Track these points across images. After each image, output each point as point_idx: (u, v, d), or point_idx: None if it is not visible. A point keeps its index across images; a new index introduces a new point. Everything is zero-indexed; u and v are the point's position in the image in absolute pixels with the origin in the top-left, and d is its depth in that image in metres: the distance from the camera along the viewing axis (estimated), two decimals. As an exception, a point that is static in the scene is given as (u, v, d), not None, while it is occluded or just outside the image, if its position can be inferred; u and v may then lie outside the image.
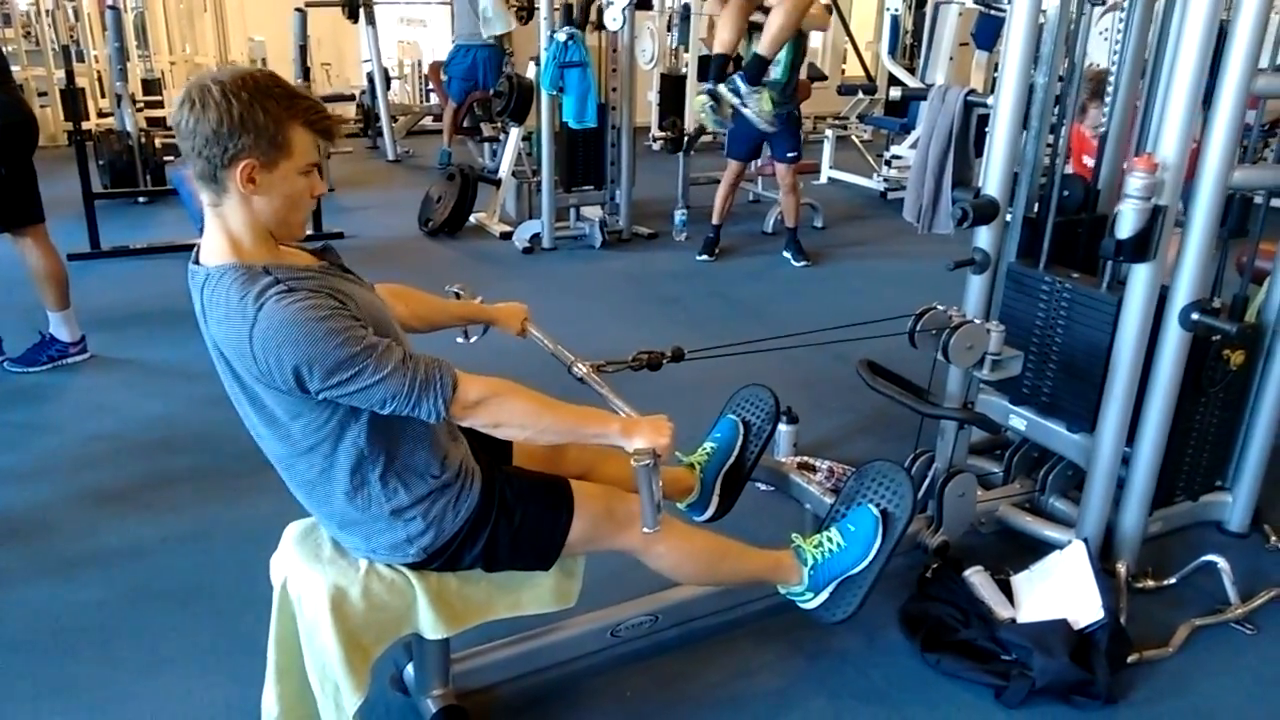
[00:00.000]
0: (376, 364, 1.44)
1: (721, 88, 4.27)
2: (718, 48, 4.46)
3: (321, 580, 1.65)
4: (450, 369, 1.52)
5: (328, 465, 1.59)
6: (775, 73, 4.75)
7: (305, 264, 1.56)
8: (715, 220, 5.49)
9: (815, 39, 10.20)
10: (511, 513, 1.71)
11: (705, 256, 5.45)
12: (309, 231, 5.78)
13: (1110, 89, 2.54)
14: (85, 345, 3.75)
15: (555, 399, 1.62)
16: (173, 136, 5.56)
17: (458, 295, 2.13)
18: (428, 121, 9.59)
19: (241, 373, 1.51)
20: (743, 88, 4.25)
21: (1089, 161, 2.60)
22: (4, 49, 3.50)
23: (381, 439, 1.59)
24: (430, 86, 9.36)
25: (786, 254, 5.46)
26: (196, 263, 1.52)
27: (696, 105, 4.45)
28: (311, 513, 1.73)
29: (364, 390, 1.45)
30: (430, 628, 1.71)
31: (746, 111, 4.29)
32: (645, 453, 1.56)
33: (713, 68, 4.38)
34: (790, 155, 5.24)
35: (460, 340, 2.12)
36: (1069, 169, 2.78)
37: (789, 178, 5.31)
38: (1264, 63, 2.10)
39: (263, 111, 1.41)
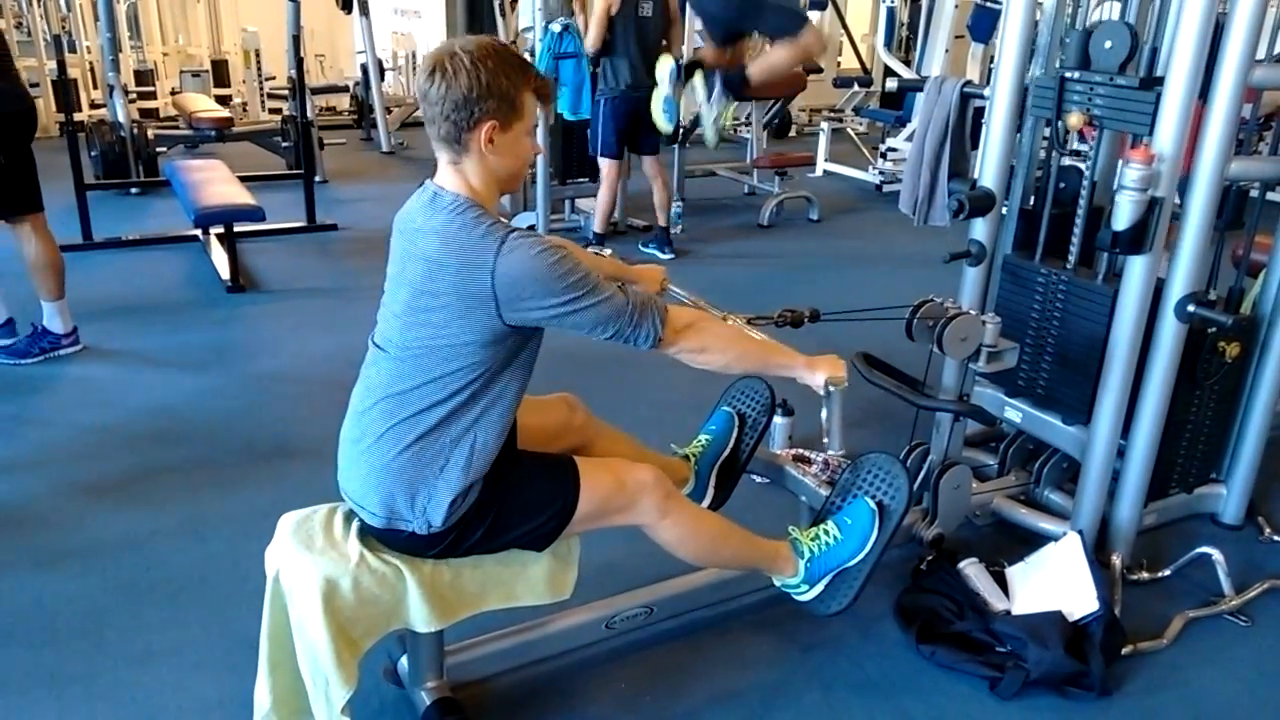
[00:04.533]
0: (599, 287, 1.63)
1: (698, 77, 4.29)
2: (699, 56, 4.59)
3: (313, 572, 1.64)
4: (661, 303, 1.68)
5: (433, 403, 1.63)
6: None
7: None
8: (599, 229, 5.26)
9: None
10: (517, 492, 1.71)
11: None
12: (303, 224, 5.76)
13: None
14: (77, 337, 3.74)
15: (744, 332, 1.81)
16: (165, 127, 5.61)
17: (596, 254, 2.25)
18: (420, 113, 9.56)
19: (452, 290, 1.58)
20: (717, 90, 4.29)
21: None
22: (6, 38, 3.49)
23: (490, 408, 1.66)
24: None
25: (651, 248, 5.42)
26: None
27: (660, 65, 4.48)
28: (349, 460, 1.73)
29: (593, 307, 1.61)
30: (422, 620, 1.71)
31: (705, 112, 4.30)
32: (836, 380, 1.83)
33: (690, 58, 4.46)
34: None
35: None
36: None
37: (657, 167, 5.31)
38: (1260, 54, 2.10)
39: (506, 78, 1.57)
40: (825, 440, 1.91)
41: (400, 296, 1.66)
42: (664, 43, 5.03)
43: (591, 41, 4.91)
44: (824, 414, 1.85)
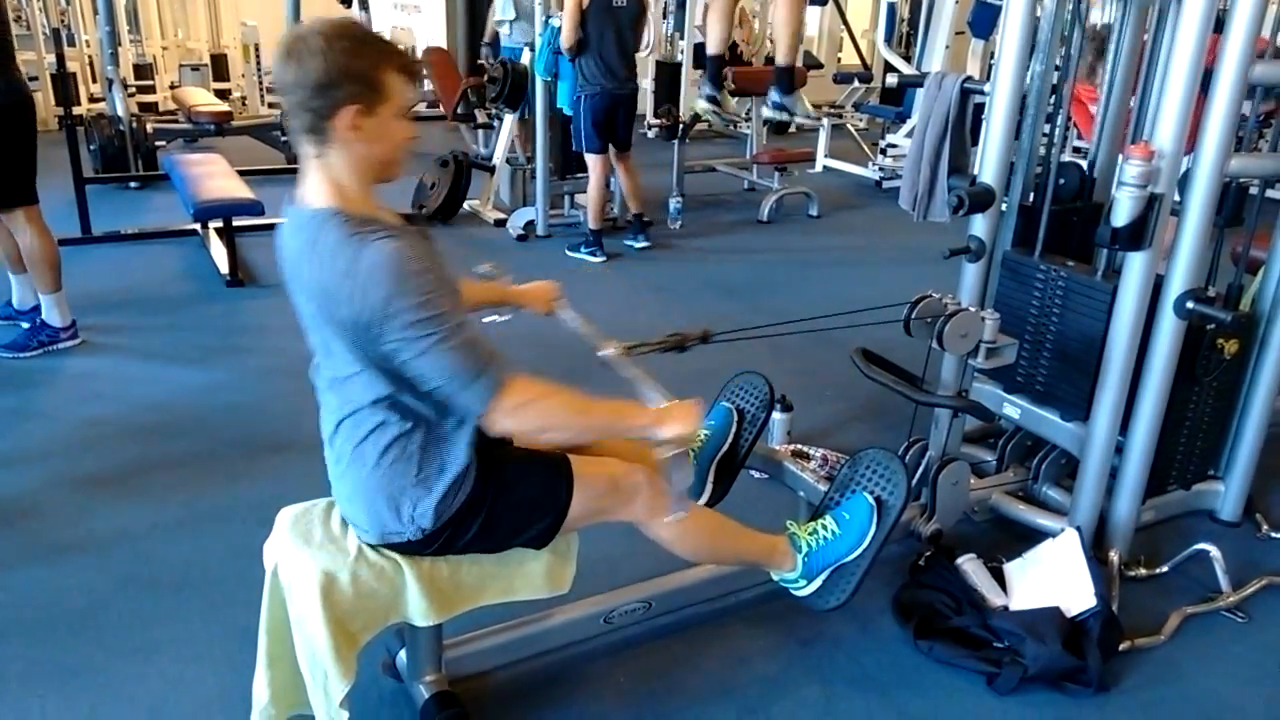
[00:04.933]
0: (452, 331, 1.46)
1: (767, 110, 4.45)
2: (712, 48, 4.59)
3: (312, 565, 1.65)
4: (510, 376, 1.51)
5: (383, 421, 1.60)
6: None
7: (398, 223, 1.59)
8: (594, 225, 5.18)
9: (811, 27, 10.18)
10: (509, 491, 1.70)
11: (598, 258, 5.15)
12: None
13: (1106, 76, 2.53)
14: (76, 330, 3.74)
15: (589, 396, 1.62)
16: (164, 121, 5.61)
17: (488, 276, 2.12)
18: (421, 108, 9.55)
19: (327, 319, 1.51)
20: (785, 98, 4.38)
21: (1095, 110, 2.59)
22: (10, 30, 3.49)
23: (440, 413, 1.61)
24: (425, 73, 9.31)
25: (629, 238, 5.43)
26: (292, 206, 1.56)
27: (700, 110, 4.53)
28: (334, 480, 1.72)
29: (429, 352, 1.45)
30: (420, 614, 1.71)
31: (798, 119, 4.42)
32: (671, 443, 1.60)
33: (710, 69, 4.50)
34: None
35: (486, 320, 2.07)
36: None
37: (623, 160, 5.29)
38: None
39: (363, 58, 1.46)
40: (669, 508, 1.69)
41: (312, 330, 1.61)
42: (635, 36, 5.04)
43: (566, 37, 4.83)
44: (670, 477, 1.63)
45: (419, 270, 1.45)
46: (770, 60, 8.86)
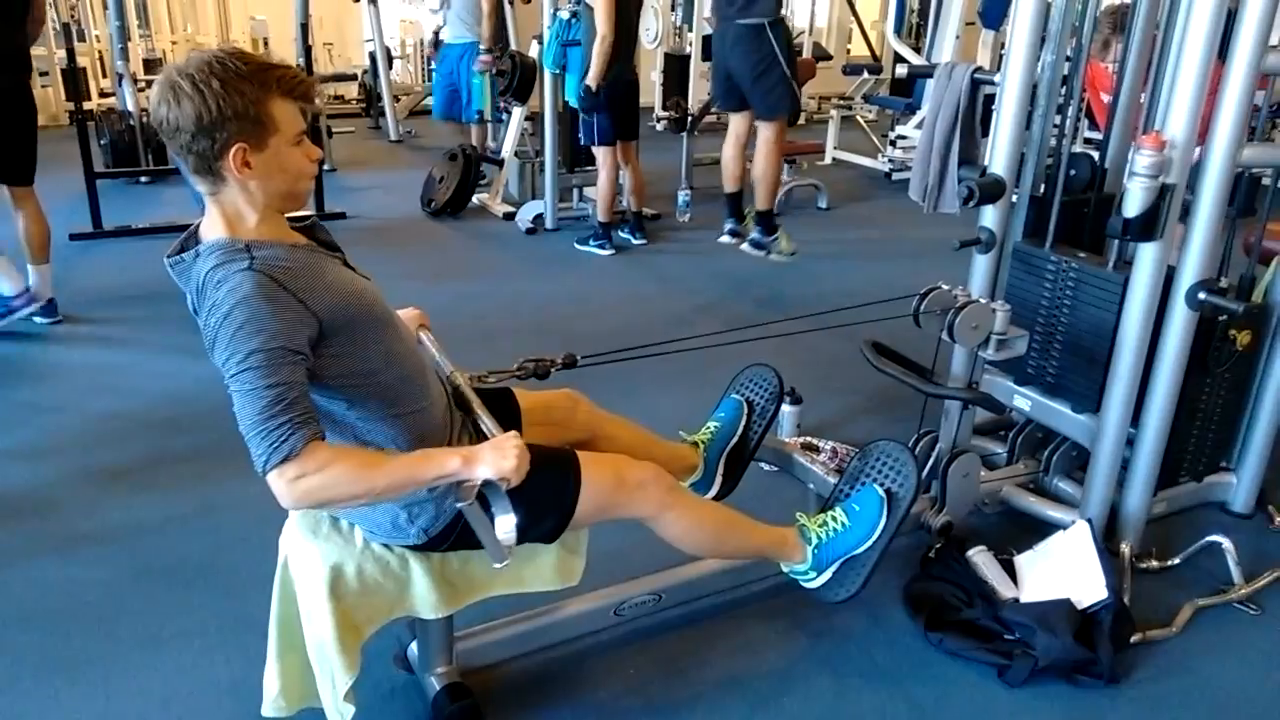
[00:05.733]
0: (260, 381, 1.38)
1: (746, 247, 4.68)
2: (728, 187, 4.82)
3: (319, 557, 1.66)
4: (304, 444, 1.38)
5: (339, 438, 1.59)
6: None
7: (292, 241, 1.56)
8: (603, 218, 5.20)
9: (821, 18, 10.14)
10: (515, 491, 1.70)
11: (607, 251, 5.20)
12: (312, 212, 5.82)
13: (1117, 66, 2.51)
14: (31, 296, 3.72)
15: (385, 455, 1.54)
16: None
17: None
18: (430, 101, 9.55)
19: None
20: (764, 239, 4.62)
21: (1108, 99, 2.58)
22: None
23: (385, 424, 1.60)
24: (433, 66, 9.31)
25: (627, 234, 5.44)
26: (182, 250, 1.52)
27: (723, 241, 4.84)
28: None
29: (235, 394, 1.40)
30: (430, 607, 1.71)
31: (773, 256, 4.62)
32: (470, 490, 1.46)
33: (729, 207, 4.82)
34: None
35: None
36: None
37: (631, 153, 5.27)
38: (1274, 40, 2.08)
39: (239, 94, 1.40)
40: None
41: None
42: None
43: (609, 28, 4.64)
44: (476, 523, 1.48)
45: (253, 313, 1.38)
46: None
